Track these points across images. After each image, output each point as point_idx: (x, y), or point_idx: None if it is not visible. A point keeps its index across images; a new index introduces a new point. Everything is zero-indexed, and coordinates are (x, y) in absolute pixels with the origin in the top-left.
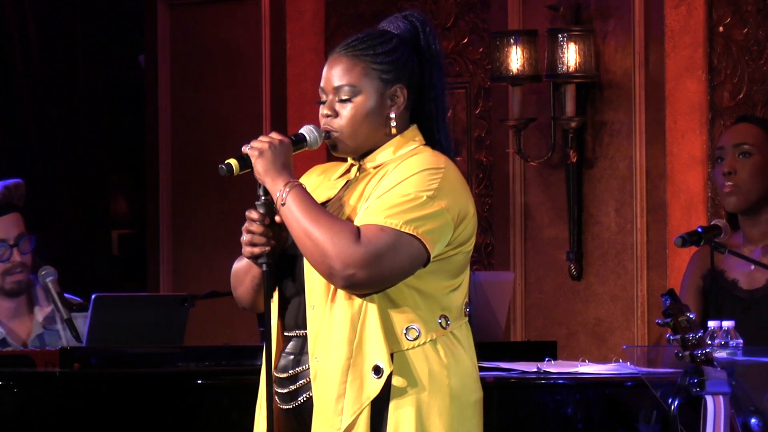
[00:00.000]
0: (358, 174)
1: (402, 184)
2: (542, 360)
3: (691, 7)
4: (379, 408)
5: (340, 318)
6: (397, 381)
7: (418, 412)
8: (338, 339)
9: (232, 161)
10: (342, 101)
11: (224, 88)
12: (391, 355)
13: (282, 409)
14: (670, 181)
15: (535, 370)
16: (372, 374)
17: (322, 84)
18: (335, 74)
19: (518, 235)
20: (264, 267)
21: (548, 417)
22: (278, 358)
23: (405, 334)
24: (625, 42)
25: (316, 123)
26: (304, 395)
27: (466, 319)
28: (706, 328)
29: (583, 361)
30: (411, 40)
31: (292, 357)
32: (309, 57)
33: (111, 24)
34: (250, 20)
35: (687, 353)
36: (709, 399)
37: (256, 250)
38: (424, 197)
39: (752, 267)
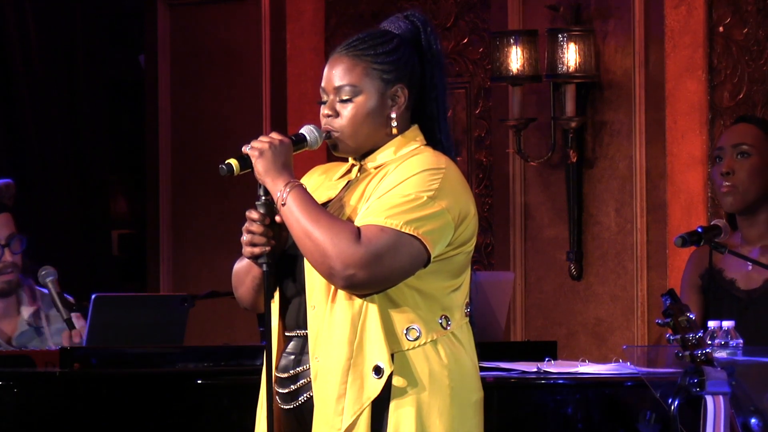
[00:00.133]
0: (358, 174)
1: (402, 184)
2: (542, 360)
3: (691, 7)
4: (379, 408)
5: (340, 318)
6: (397, 381)
7: (419, 412)
8: (339, 339)
9: (233, 161)
10: (343, 101)
11: (224, 88)
12: (392, 356)
13: (282, 409)
14: (670, 181)
15: (535, 370)
16: (372, 374)
17: (323, 84)
18: (336, 74)
19: (518, 235)
20: (264, 267)
21: (548, 417)
22: (279, 358)
23: (405, 334)
24: (625, 42)
25: (316, 123)
26: (305, 395)
27: (467, 319)
28: (706, 328)
29: (583, 361)
30: (412, 40)
31: (292, 357)
32: (309, 57)
33: (111, 24)
34: (250, 20)
35: (687, 353)
36: (709, 399)
37: (257, 250)
38: (425, 197)
39: (750, 267)
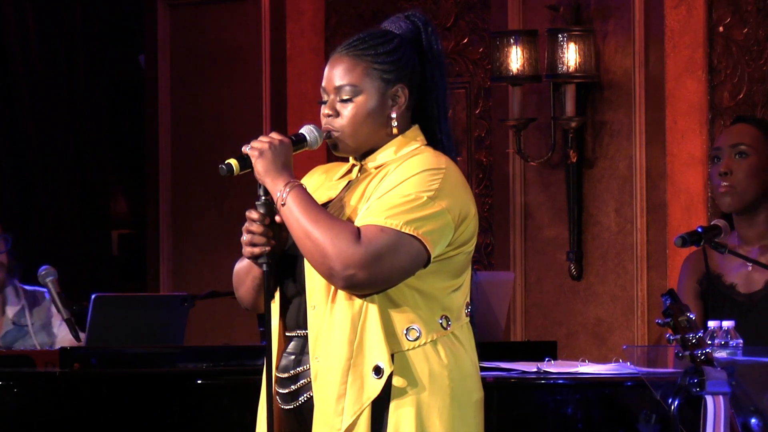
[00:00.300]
0: (359, 174)
1: (403, 184)
2: (542, 360)
3: (691, 7)
4: (379, 408)
5: (340, 318)
6: (397, 381)
7: (419, 412)
8: (339, 339)
9: (232, 161)
10: (343, 101)
11: (224, 88)
12: (392, 356)
13: (283, 409)
14: (670, 181)
15: (535, 370)
16: (372, 375)
17: (323, 83)
18: (336, 74)
19: (518, 235)
20: (264, 267)
21: (548, 417)
22: (279, 358)
23: (405, 334)
24: (625, 42)
25: (316, 123)
26: (305, 395)
27: (468, 319)
28: (706, 328)
29: (583, 361)
30: (413, 40)
31: (293, 357)
32: (309, 57)
33: (111, 24)
34: (250, 20)
35: (687, 353)
36: (709, 399)
37: (256, 250)
38: (425, 198)
39: (749, 268)
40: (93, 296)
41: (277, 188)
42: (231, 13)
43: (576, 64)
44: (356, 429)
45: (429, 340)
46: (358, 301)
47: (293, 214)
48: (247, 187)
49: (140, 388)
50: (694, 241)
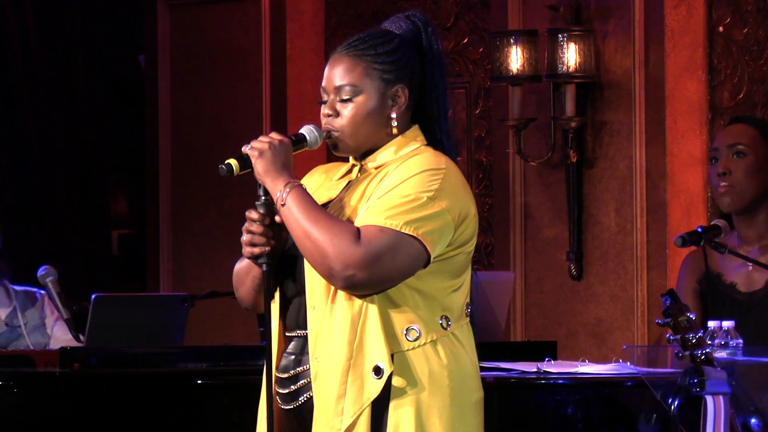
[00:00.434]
0: (359, 174)
1: (402, 184)
2: (542, 360)
3: (691, 7)
4: (379, 408)
5: (340, 318)
6: (397, 381)
7: (418, 412)
8: (338, 339)
9: (232, 161)
10: (343, 101)
11: (224, 88)
12: (392, 356)
13: (283, 409)
14: (670, 181)
15: (535, 370)
16: (372, 375)
17: (323, 83)
18: (336, 74)
19: (518, 235)
20: (264, 267)
21: (548, 417)
22: (279, 358)
23: (405, 334)
24: (625, 42)
25: (316, 123)
26: (305, 395)
27: (468, 319)
28: (706, 328)
29: (583, 361)
30: (413, 41)
31: (293, 357)
32: (309, 57)
33: (111, 24)
34: (250, 20)
35: (687, 353)
36: (709, 399)
37: (256, 250)
38: (425, 198)
39: (750, 268)
40: (93, 296)
41: (277, 188)
42: (231, 13)
43: (576, 64)
44: (356, 429)
45: (429, 340)
46: (357, 302)
47: (293, 214)
48: (247, 187)
49: (140, 388)
50: (694, 241)
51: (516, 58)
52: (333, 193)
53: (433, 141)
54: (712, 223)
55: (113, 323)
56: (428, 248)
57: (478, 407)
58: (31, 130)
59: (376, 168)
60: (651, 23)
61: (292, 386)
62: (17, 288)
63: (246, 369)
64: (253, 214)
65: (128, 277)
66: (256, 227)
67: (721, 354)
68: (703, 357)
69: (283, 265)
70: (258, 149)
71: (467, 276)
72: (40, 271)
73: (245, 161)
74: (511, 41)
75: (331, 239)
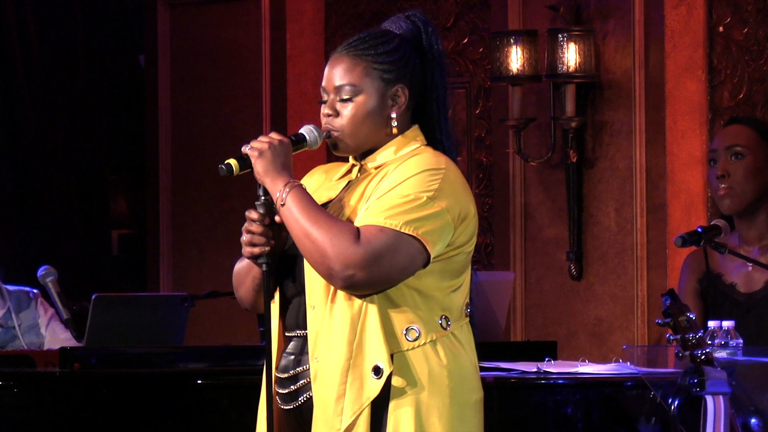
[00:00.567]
0: (359, 174)
1: (402, 184)
2: (542, 360)
3: (691, 7)
4: (379, 408)
5: (340, 318)
6: (396, 381)
7: (418, 412)
8: (338, 339)
9: (232, 161)
10: (343, 101)
11: (224, 88)
12: (391, 356)
13: (283, 409)
14: (670, 181)
15: (535, 370)
16: (372, 375)
17: (323, 83)
18: (336, 74)
19: (518, 235)
20: (264, 267)
21: (548, 417)
22: (279, 358)
23: (405, 334)
24: (625, 42)
25: (316, 123)
26: (305, 395)
27: (467, 319)
28: (706, 328)
29: (583, 361)
30: (413, 41)
31: (292, 357)
32: (309, 57)
33: (111, 24)
34: (250, 20)
35: (687, 353)
36: (709, 399)
37: (256, 250)
38: (425, 198)
39: (749, 268)
40: (93, 296)
41: (277, 188)
42: (231, 13)
43: (576, 64)
44: (356, 429)
45: (428, 340)
46: (357, 302)
47: (293, 214)
48: (247, 187)
49: (140, 388)
50: (694, 241)
51: (516, 58)
52: (333, 193)
53: (433, 141)
54: (712, 223)
55: (113, 323)
56: (428, 248)
57: (477, 407)
58: (31, 130)
59: (376, 168)
60: (651, 23)
61: (292, 386)
62: (10, 288)
63: (246, 369)
64: (252, 214)
65: (128, 277)
66: (255, 227)
67: (721, 354)
68: (703, 357)
69: (283, 265)
70: (258, 149)
71: (467, 276)
72: (40, 271)
73: (245, 161)
74: (511, 41)
75: (331, 239)
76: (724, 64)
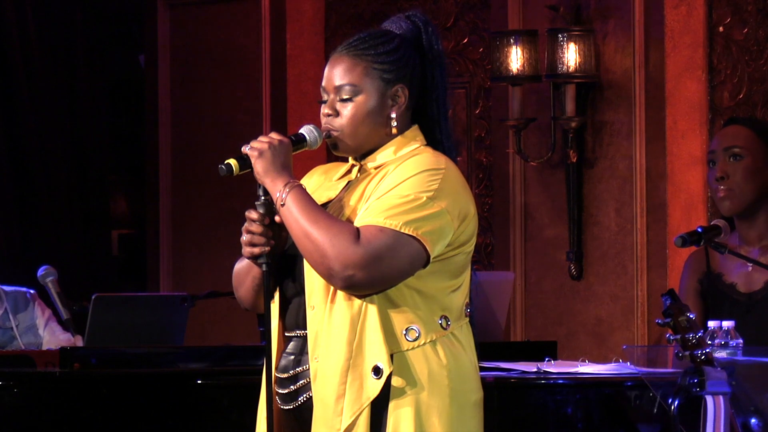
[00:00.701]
0: (358, 174)
1: (402, 185)
2: (542, 360)
3: (691, 7)
4: (378, 408)
5: (339, 319)
6: (396, 381)
7: (418, 412)
8: (338, 339)
9: (232, 161)
10: (343, 100)
11: (224, 88)
12: (391, 356)
13: (282, 409)
14: (670, 181)
15: (535, 370)
16: (372, 375)
17: (323, 83)
18: (336, 73)
19: (518, 235)
20: (264, 267)
21: (548, 417)
22: (279, 358)
23: (405, 334)
24: (625, 42)
25: (316, 123)
26: (305, 395)
27: (467, 319)
28: (706, 328)
29: (583, 361)
30: (413, 41)
31: (292, 357)
32: (309, 57)
33: (111, 24)
34: (250, 20)
35: (687, 353)
36: (709, 399)
37: (256, 250)
38: (424, 198)
39: (750, 268)
40: (93, 296)
41: (277, 188)
42: (231, 13)
43: (576, 64)
44: (355, 429)
45: (428, 340)
46: (357, 302)
47: (292, 215)
48: (247, 187)
49: (140, 388)
50: (694, 241)
51: (516, 58)
52: (332, 193)
53: (433, 141)
54: (712, 223)
55: (113, 323)
56: (428, 248)
57: (477, 407)
58: (31, 130)
59: (376, 168)
60: (651, 23)
61: (292, 386)
62: (7, 288)
63: (246, 369)
64: (252, 214)
65: (128, 277)
66: (255, 227)
67: (721, 354)
68: (703, 357)
69: (283, 265)
70: (258, 149)
71: (467, 276)
72: (40, 271)
73: (245, 161)
74: (511, 41)
75: (331, 239)
76: (724, 64)
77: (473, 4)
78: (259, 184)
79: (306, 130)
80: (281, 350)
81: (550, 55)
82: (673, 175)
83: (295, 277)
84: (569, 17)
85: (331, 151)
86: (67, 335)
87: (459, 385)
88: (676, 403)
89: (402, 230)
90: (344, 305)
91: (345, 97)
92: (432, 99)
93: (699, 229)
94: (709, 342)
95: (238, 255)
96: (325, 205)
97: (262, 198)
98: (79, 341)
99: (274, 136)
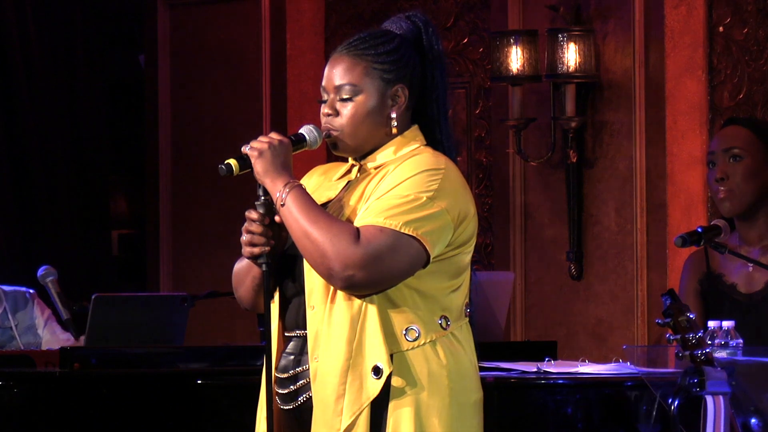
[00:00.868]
0: (358, 174)
1: (402, 185)
2: (542, 360)
3: (691, 7)
4: (378, 408)
5: (339, 318)
6: (396, 382)
7: (418, 412)
8: (338, 339)
9: (232, 161)
10: (343, 100)
11: (224, 88)
12: (391, 356)
13: (282, 409)
14: (670, 181)
15: (535, 370)
16: (372, 375)
17: (323, 83)
18: (336, 73)
19: (518, 235)
20: (264, 267)
21: (548, 417)
22: (279, 358)
23: (405, 334)
24: (625, 42)
25: (316, 123)
26: (304, 395)
27: (467, 319)
28: (706, 328)
29: (583, 361)
30: (413, 41)
31: (292, 357)
32: (309, 57)
33: (111, 24)
34: (250, 20)
35: (687, 353)
36: (709, 399)
37: (256, 250)
38: (424, 198)
39: (750, 269)
40: (93, 296)
41: (277, 188)
42: (231, 13)
43: (576, 64)
44: (355, 429)
45: (428, 340)
46: (357, 302)
47: (292, 215)
48: (247, 187)
49: (140, 388)
50: (694, 241)
51: (516, 58)
52: (332, 193)
53: (433, 141)
54: (712, 223)
55: (113, 323)
56: (428, 248)
57: (477, 407)
58: (31, 130)
59: (376, 168)
60: (651, 23)
61: (292, 386)
62: (6, 288)
63: (246, 369)
64: (252, 214)
65: (128, 277)
66: (255, 227)
67: (721, 354)
68: (703, 357)
69: (283, 265)
70: (257, 149)
71: (466, 276)
72: (40, 271)
73: (245, 161)
74: (511, 41)
75: (331, 239)
76: (724, 64)
77: (473, 4)
78: (259, 184)
79: (306, 130)
80: (281, 350)
81: (550, 55)
82: (673, 175)
83: (295, 277)
84: (569, 17)
85: (331, 151)
86: (67, 335)
87: (459, 385)
88: (676, 403)
89: (402, 230)
90: (344, 305)
91: (345, 96)
92: (432, 99)
93: (699, 229)
94: (709, 342)
95: (238, 255)
96: (325, 205)
97: (262, 198)
98: (81, 343)
99: (274, 136)
